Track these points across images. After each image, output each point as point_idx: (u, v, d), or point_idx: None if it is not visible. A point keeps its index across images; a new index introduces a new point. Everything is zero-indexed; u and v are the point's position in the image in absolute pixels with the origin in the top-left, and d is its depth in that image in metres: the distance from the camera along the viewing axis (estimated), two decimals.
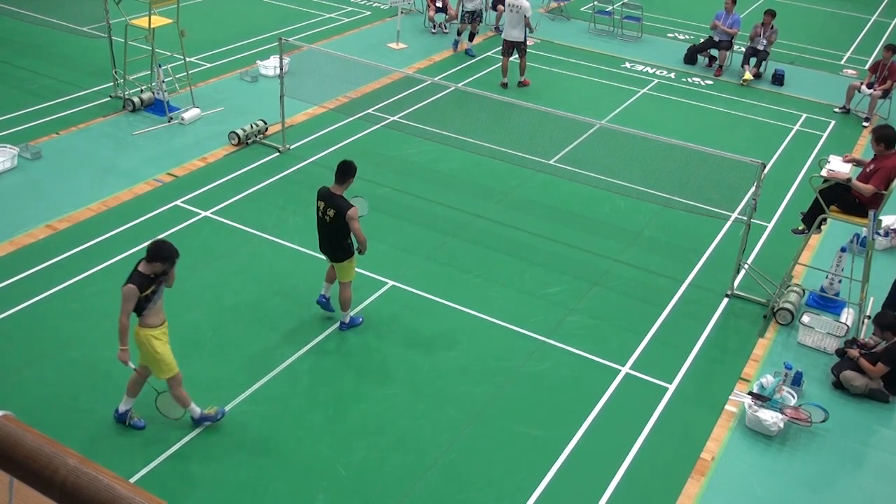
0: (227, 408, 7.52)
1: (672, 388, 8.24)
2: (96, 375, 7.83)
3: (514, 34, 15.00)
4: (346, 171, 8.17)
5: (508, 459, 7.25)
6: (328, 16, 18.69)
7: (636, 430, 7.67)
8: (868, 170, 9.04)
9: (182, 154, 11.98)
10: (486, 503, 6.83)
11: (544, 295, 9.49)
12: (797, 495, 7.16)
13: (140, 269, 6.75)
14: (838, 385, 8.37)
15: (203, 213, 10.53)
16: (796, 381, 8.20)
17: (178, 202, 10.73)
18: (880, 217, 9.30)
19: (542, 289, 9.60)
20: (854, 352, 8.30)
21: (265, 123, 12.59)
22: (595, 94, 15.47)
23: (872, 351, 8.26)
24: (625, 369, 8.44)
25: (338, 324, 8.70)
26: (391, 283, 9.44)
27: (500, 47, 16.03)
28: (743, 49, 17.18)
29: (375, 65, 13.47)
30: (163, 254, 6.70)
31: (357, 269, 9.61)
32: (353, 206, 7.98)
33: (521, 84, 15.40)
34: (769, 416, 7.64)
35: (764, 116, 15.00)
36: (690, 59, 17.31)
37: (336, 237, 8.13)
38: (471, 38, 16.74)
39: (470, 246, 10.30)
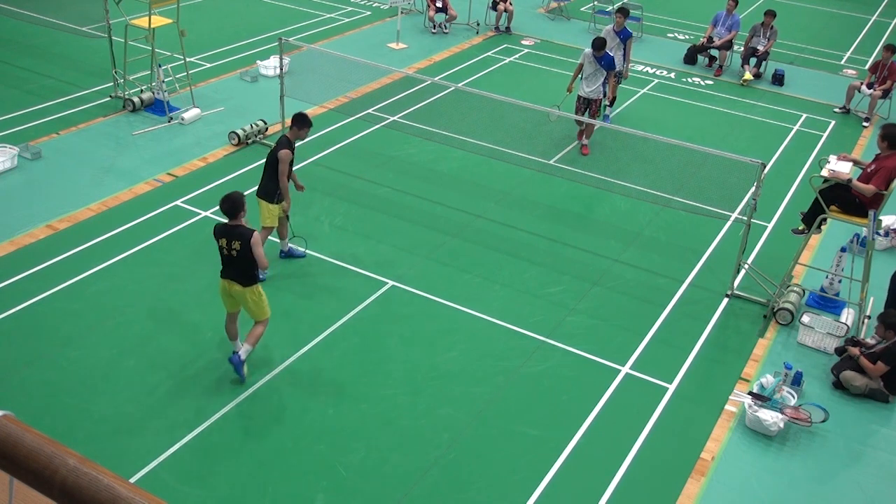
0: (227, 407, 7.53)
1: (672, 388, 8.24)
2: (96, 375, 7.83)
3: (591, 90, 12.63)
4: (235, 204, 7.46)
5: (508, 459, 7.25)
6: (328, 16, 18.70)
7: (636, 430, 7.67)
8: (869, 170, 9.04)
9: (182, 154, 11.98)
10: (485, 503, 6.83)
11: (544, 295, 9.49)
12: (797, 495, 7.16)
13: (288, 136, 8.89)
14: (838, 385, 8.37)
15: (203, 213, 10.53)
16: (796, 381, 8.20)
17: (178, 202, 10.73)
18: (880, 217, 9.30)
19: (542, 289, 9.60)
20: (854, 350, 8.30)
21: (265, 123, 12.59)
22: None
23: (872, 351, 8.26)
24: (625, 369, 8.44)
25: (336, 325, 8.70)
26: (391, 283, 9.44)
27: (503, 47, 16.05)
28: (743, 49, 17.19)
29: (375, 65, 13.47)
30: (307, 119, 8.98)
31: (357, 269, 9.64)
32: (255, 230, 7.57)
33: (582, 151, 12.84)
34: (769, 416, 7.64)
35: (764, 116, 15.00)
36: (690, 59, 17.32)
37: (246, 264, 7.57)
38: (611, 102, 13.80)
39: (470, 246, 10.30)
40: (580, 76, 12.67)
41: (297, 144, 9.35)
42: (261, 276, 8.51)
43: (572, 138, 13.12)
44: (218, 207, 10.61)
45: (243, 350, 7.73)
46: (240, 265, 7.45)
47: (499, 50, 17.27)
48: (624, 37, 13.57)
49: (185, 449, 7.09)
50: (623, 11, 13.64)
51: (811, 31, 20.42)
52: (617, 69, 13.15)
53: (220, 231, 7.51)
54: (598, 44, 12.34)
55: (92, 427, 7.25)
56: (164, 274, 9.33)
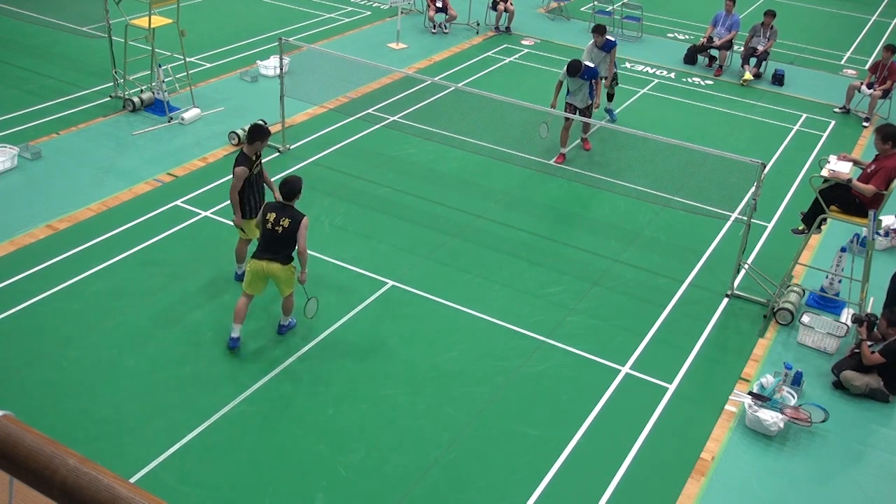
0: (228, 407, 7.53)
1: (672, 388, 8.24)
2: (96, 375, 7.83)
3: (579, 101, 12.39)
4: (294, 187, 8.01)
5: (508, 459, 7.25)
6: (328, 16, 18.70)
7: (636, 430, 7.67)
8: (869, 170, 9.04)
9: (182, 154, 11.98)
10: (485, 503, 6.83)
11: (544, 295, 9.49)
12: (797, 495, 7.16)
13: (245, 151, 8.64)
14: (838, 385, 8.37)
15: (203, 213, 10.53)
16: (796, 381, 8.20)
17: (178, 202, 10.73)
18: (880, 217, 9.30)
19: (542, 289, 9.60)
20: (863, 330, 8.27)
21: (265, 123, 12.56)
22: None
23: (873, 350, 8.25)
24: (625, 369, 8.44)
25: (336, 325, 8.70)
26: (391, 283, 9.44)
27: (506, 47, 16.02)
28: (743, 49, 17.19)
29: (375, 65, 13.47)
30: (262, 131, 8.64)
31: (357, 269, 9.64)
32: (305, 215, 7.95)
33: (584, 146, 13.01)
34: (769, 416, 7.64)
35: (764, 116, 15.00)
36: (690, 59, 17.32)
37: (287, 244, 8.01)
38: (609, 98, 13.90)
39: (470, 246, 10.30)
40: (566, 91, 12.37)
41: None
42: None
43: (572, 137, 13.09)
44: (214, 209, 10.64)
45: (286, 322, 8.46)
46: (282, 242, 7.83)
47: (499, 50, 17.27)
48: (608, 48, 13.33)
49: (185, 449, 7.09)
50: (599, 29, 13.30)
51: (811, 31, 20.42)
52: (602, 75, 13.04)
53: (272, 206, 7.97)
54: (573, 69, 11.92)
55: (92, 427, 7.25)
56: (164, 274, 9.33)
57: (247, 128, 12.22)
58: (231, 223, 9.40)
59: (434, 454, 7.24)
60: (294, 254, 8.00)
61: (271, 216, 7.87)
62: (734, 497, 7.08)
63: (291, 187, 7.95)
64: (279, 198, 9.06)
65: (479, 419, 7.66)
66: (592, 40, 13.45)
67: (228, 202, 10.68)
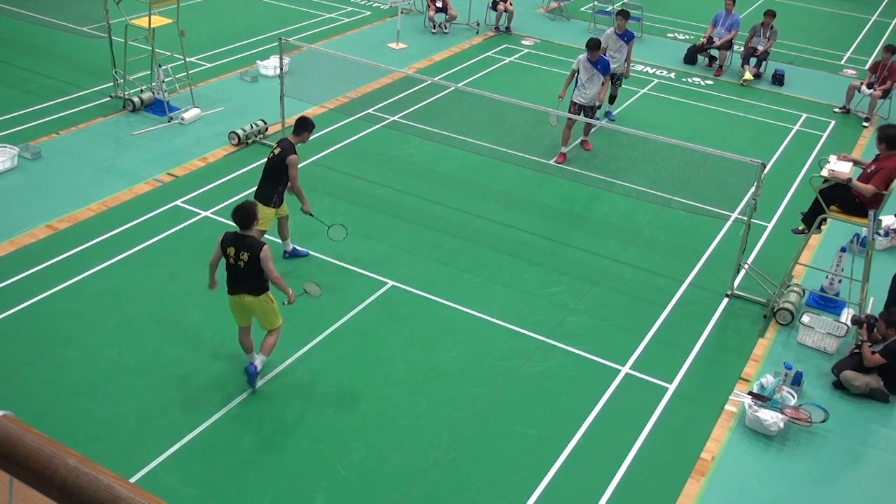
0: (228, 407, 7.53)
1: (672, 388, 8.24)
2: (96, 375, 7.83)
3: (588, 97, 12.22)
4: (249, 215, 7.37)
5: (508, 459, 7.25)
6: (328, 16, 18.70)
7: (636, 430, 7.67)
8: (869, 170, 9.03)
9: (182, 154, 11.98)
10: (485, 503, 6.83)
11: (544, 295, 9.49)
12: (797, 495, 7.16)
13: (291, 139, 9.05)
14: (838, 385, 8.37)
15: (203, 213, 10.53)
16: (796, 381, 8.20)
17: (178, 202, 10.73)
18: (880, 217, 9.30)
19: (542, 289, 9.60)
20: (864, 332, 8.27)
21: (265, 123, 12.59)
22: None
23: (873, 351, 8.25)
24: (625, 369, 8.44)
25: (336, 325, 8.70)
26: (391, 283, 9.44)
27: (507, 48, 16.00)
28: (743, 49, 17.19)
29: (375, 65, 13.47)
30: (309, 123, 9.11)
31: (357, 269, 9.64)
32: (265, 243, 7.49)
33: (584, 147, 12.95)
34: (769, 416, 7.64)
35: (764, 116, 15.00)
36: (690, 59, 17.32)
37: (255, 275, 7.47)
38: (611, 100, 13.99)
39: (470, 246, 10.30)
40: (575, 83, 12.34)
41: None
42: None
43: (572, 137, 13.10)
44: (214, 209, 10.63)
45: (258, 360, 7.68)
46: (248, 276, 7.34)
47: (499, 50, 17.27)
48: (627, 38, 13.54)
49: (185, 449, 7.09)
50: (624, 14, 13.57)
51: (811, 31, 20.42)
52: (615, 72, 13.08)
53: (229, 240, 7.35)
54: (593, 45, 11.96)
55: (92, 427, 7.25)
56: (164, 274, 9.34)
57: (247, 128, 12.34)
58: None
59: (434, 454, 7.24)
60: (269, 283, 7.49)
61: (231, 251, 7.30)
62: (734, 497, 7.08)
63: (246, 215, 7.28)
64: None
65: (479, 419, 7.66)
66: (613, 27, 13.52)
67: (229, 202, 10.74)
